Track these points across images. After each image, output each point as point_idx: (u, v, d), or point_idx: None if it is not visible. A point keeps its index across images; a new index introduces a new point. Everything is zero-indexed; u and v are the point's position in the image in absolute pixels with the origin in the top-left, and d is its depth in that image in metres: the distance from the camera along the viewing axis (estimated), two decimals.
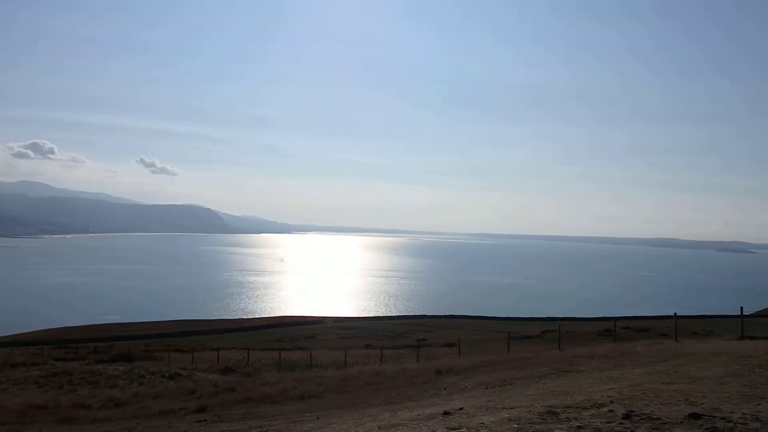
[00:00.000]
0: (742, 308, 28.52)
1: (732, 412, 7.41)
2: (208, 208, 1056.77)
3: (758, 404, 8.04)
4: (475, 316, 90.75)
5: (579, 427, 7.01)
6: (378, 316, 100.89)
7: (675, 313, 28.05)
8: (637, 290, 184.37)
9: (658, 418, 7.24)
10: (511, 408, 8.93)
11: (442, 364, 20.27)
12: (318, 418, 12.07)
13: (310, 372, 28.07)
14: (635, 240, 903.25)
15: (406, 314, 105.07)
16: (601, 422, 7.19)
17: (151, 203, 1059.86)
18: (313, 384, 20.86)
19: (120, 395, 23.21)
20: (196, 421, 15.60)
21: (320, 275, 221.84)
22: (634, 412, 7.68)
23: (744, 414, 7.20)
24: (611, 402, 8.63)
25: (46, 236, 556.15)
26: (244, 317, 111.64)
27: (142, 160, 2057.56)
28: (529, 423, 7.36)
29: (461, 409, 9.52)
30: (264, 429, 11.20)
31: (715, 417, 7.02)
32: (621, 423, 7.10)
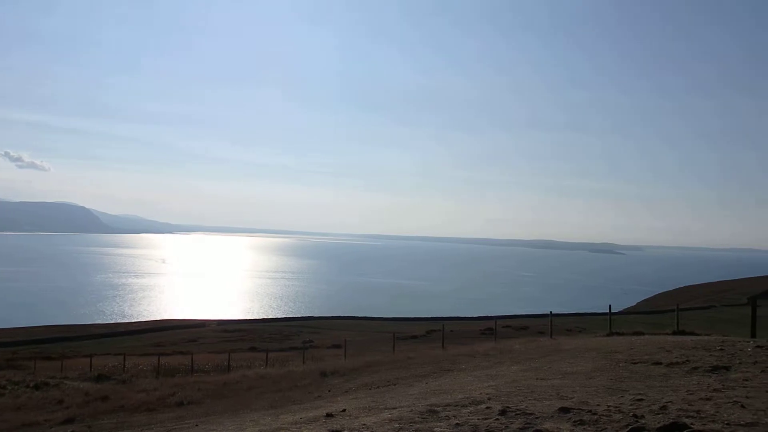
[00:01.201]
0: (610, 306, 30.50)
1: (598, 404, 7.85)
2: (83, 207, 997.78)
3: (621, 396, 8.56)
4: (362, 317, 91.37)
5: (457, 424, 7.15)
6: (264, 318, 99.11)
7: (551, 312, 29.52)
8: (518, 290, 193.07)
9: (531, 413, 7.54)
10: (394, 408, 8.98)
11: (328, 366, 20.18)
12: (197, 425, 11.62)
13: (190, 377, 27.06)
14: (516, 242, 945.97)
15: (293, 316, 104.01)
16: (478, 419, 7.38)
17: (18, 200, 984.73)
18: (194, 389, 20.11)
19: None
20: None
21: (204, 277, 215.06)
22: (509, 408, 7.96)
23: (609, 406, 7.64)
24: (489, 399, 8.91)
25: None
26: (121, 321, 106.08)
27: (6, 154, 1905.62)
28: (410, 422, 7.42)
29: (344, 410, 9.47)
30: None
31: (582, 410, 7.40)
32: (497, 419, 7.32)
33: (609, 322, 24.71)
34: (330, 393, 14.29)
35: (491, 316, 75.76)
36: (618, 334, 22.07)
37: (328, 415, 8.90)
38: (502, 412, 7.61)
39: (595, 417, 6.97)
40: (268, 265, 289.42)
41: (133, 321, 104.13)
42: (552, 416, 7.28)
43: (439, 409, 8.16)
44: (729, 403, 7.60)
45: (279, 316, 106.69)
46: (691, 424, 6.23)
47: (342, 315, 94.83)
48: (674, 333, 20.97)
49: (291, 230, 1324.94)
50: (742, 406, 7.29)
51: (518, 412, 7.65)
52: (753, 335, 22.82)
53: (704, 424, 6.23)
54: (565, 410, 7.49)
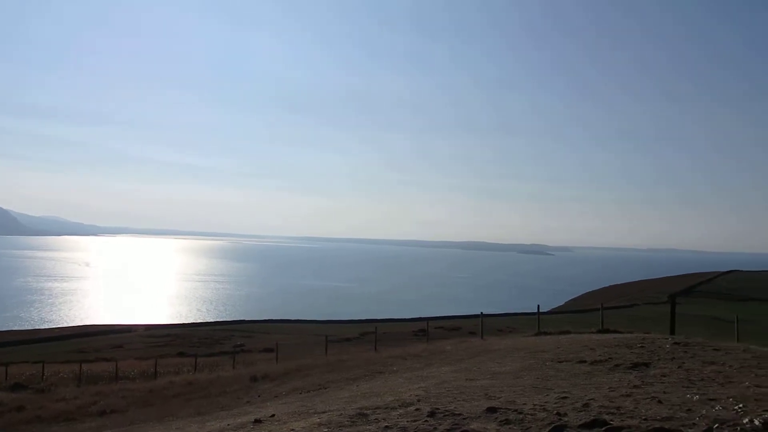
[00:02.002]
0: (539, 306, 31.36)
1: (524, 403, 7.98)
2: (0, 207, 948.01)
3: (547, 395, 8.75)
4: (295, 320, 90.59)
5: (387, 427, 7.14)
6: (194, 323, 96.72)
7: (481, 313, 30.04)
8: (451, 291, 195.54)
9: (459, 414, 7.60)
10: (323, 412, 8.90)
11: (259, 371, 19.86)
12: None
13: (114, 385, 26.07)
14: (448, 243, 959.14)
15: (224, 320, 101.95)
16: (407, 421, 7.39)
17: None
18: (117, 398, 19.38)
19: None
20: None
21: (131, 280, 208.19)
22: (438, 409, 8.00)
23: (534, 405, 7.78)
24: (418, 401, 8.93)
25: None
26: (41, 327, 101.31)
27: None
28: (339, 426, 7.36)
29: (273, 416, 9.33)
30: None
31: (509, 410, 7.50)
32: (426, 421, 7.34)
33: (538, 322, 25.35)
34: (260, 398, 14.05)
35: (424, 318, 76.48)
36: (546, 333, 22.65)
37: (257, 421, 8.74)
38: (431, 414, 7.64)
39: (521, 416, 7.08)
40: (199, 268, 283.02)
41: (55, 327, 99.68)
42: (479, 416, 7.36)
43: (368, 412, 8.13)
44: (647, 398, 7.87)
45: (209, 320, 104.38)
46: (611, 420, 6.41)
47: (275, 318, 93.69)
48: (599, 331, 21.68)
49: (222, 233, 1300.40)
50: (659, 402, 7.56)
51: (447, 413, 7.70)
52: (672, 332, 23.83)
53: (623, 420, 6.41)
54: (492, 410, 7.58)
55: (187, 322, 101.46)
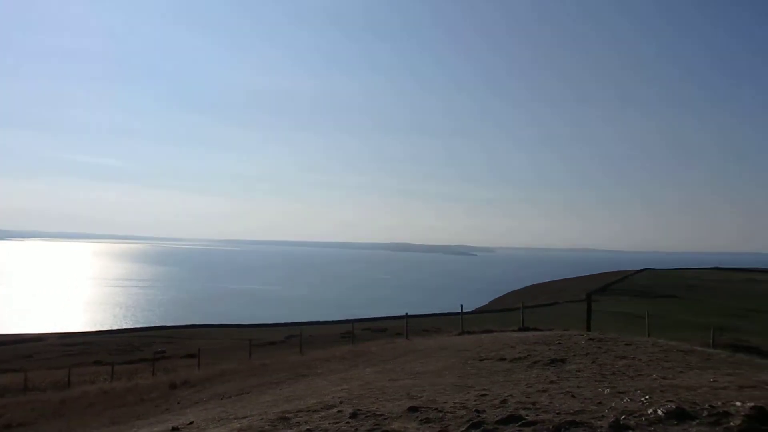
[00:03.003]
0: (462, 306, 31.90)
1: (445, 402, 8.11)
2: None
3: (467, 393, 8.92)
4: (219, 325, 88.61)
5: (308, 429, 7.10)
6: (112, 330, 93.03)
7: (406, 313, 30.35)
8: (377, 292, 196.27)
9: (381, 414, 7.64)
10: (244, 417, 8.76)
11: (179, 377, 19.32)
12: None
13: (23, 396, 24.74)
14: (372, 245, 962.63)
15: (144, 326, 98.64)
16: (329, 423, 7.37)
17: None
18: (25, 410, 18.41)
19: None
20: None
21: (42, 286, 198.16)
22: (360, 410, 8.01)
23: (455, 403, 7.92)
24: (341, 402, 8.93)
25: None
26: None
27: None
28: (260, 431, 7.27)
29: (192, 423, 9.11)
30: None
31: (429, 408, 7.61)
32: (348, 422, 7.35)
33: (461, 322, 25.81)
34: (179, 405, 13.67)
35: (350, 320, 76.48)
36: (469, 332, 23.11)
37: (174, 429, 8.51)
38: (353, 415, 7.65)
39: (441, 414, 7.19)
40: (116, 273, 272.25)
41: None
42: (401, 416, 7.42)
43: (290, 415, 8.07)
44: (562, 393, 8.15)
45: (128, 327, 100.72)
46: (527, 415, 6.60)
47: (197, 323, 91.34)
48: (520, 329, 22.31)
49: (140, 236, 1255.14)
50: (573, 396, 7.85)
51: (368, 414, 7.72)
52: (588, 329, 24.80)
53: (538, 415, 6.62)
54: (413, 409, 7.66)
55: (104, 329, 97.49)
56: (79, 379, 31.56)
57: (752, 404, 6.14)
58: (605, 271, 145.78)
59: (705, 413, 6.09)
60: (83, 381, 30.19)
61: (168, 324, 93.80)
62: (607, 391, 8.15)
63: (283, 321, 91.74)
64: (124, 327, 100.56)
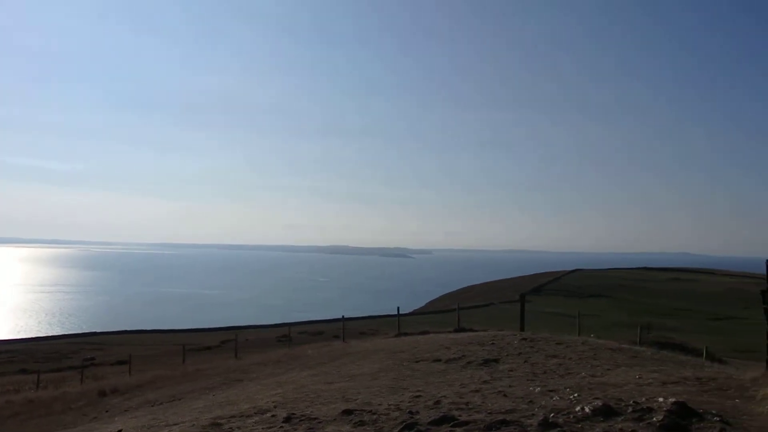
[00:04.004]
0: (398, 308, 32.14)
1: (380, 404, 8.11)
2: None
3: (402, 394, 8.95)
4: (153, 330, 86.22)
5: None
6: (38, 337, 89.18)
7: (343, 316, 30.31)
8: (315, 295, 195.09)
9: (315, 418, 7.57)
10: (175, 424, 8.54)
11: (108, 384, 18.67)
12: None
13: None
14: (313, 248, 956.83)
15: (74, 332, 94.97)
16: (263, 428, 7.27)
17: None
18: None
19: None
20: None
21: None
22: (294, 414, 7.92)
23: (389, 405, 7.93)
24: (275, 407, 8.80)
25: None
26: None
27: None
28: None
29: (120, 431, 8.81)
30: None
31: (364, 411, 7.59)
32: (281, 426, 7.26)
33: (398, 324, 25.95)
34: (108, 413, 13.21)
35: (287, 323, 75.81)
36: (406, 334, 23.24)
37: None
38: (287, 419, 7.57)
39: (375, 416, 7.19)
40: (44, 278, 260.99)
41: None
42: (335, 419, 7.38)
43: (223, 421, 7.91)
44: (494, 393, 8.28)
45: (56, 334, 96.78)
46: (459, 416, 6.67)
47: (130, 329, 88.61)
48: (456, 330, 22.60)
49: (70, 240, 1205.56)
50: (505, 395, 7.99)
51: (303, 418, 7.64)
52: (522, 329, 25.35)
53: (470, 415, 6.69)
54: (348, 412, 7.63)
55: (30, 336, 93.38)
56: (3, 389, 30.09)
57: (674, 399, 6.39)
58: (539, 272, 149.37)
59: (630, 409, 6.29)
60: (7, 390, 28.80)
61: (98, 330, 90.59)
62: (537, 389, 8.33)
63: (219, 325, 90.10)
64: (51, 334, 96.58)
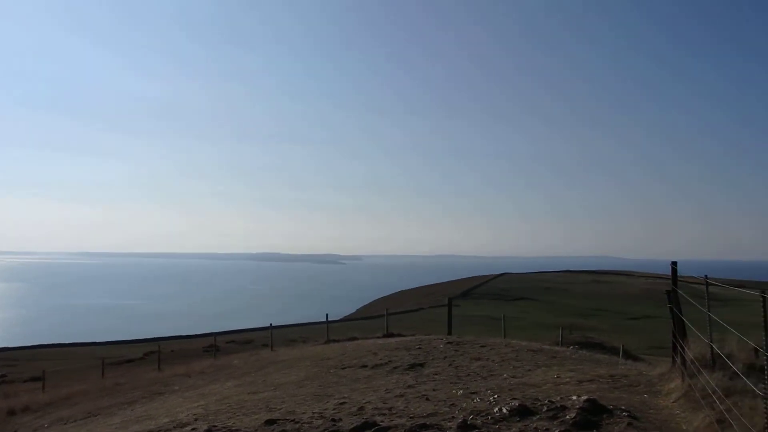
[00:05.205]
0: (327, 315, 31.92)
1: (304, 412, 8.04)
2: None
3: (327, 402, 8.89)
4: (71, 344, 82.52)
5: None
6: None
7: (271, 324, 29.90)
8: (245, 303, 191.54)
9: (237, 430, 7.43)
10: None
11: (19, 402, 17.71)
12: None
13: None
14: (243, 255, 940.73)
15: None
16: None
17: None
18: None
19: None
20: None
21: None
22: (216, 426, 7.75)
23: (313, 413, 7.87)
24: (196, 420, 8.58)
25: None
26: None
27: None
28: None
29: None
30: None
31: (287, 420, 7.50)
32: None
33: (326, 330, 25.82)
34: None
35: (214, 332, 74.28)
36: (335, 341, 23.12)
37: None
38: None
39: (298, 426, 7.12)
40: None
41: None
42: (257, 430, 7.27)
43: None
44: (418, 397, 8.35)
45: None
46: (381, 421, 6.69)
47: (45, 343, 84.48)
48: (384, 336, 22.64)
49: None
50: (427, 399, 8.06)
51: (224, 430, 7.49)
52: (449, 332, 25.71)
53: (392, 420, 6.72)
54: (270, 422, 7.52)
55: None
56: None
57: (586, 397, 6.62)
58: (468, 276, 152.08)
59: (545, 408, 6.47)
60: None
61: (10, 345, 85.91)
62: (460, 392, 8.46)
63: (143, 337, 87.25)
64: None
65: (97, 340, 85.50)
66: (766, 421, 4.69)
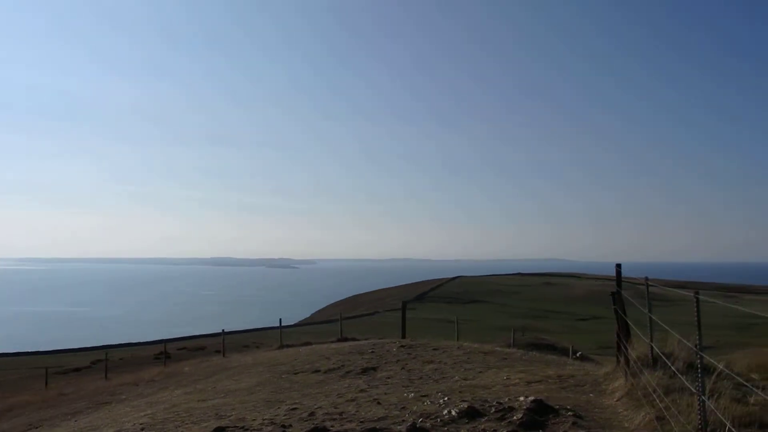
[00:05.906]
0: (280, 320, 31.69)
1: (254, 419, 7.95)
2: None
3: (278, 408, 8.82)
4: (11, 353, 79.53)
5: None
6: None
7: (223, 330, 29.49)
8: (197, 309, 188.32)
9: None
10: None
11: None
12: None
13: None
14: (194, 260, 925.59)
15: None
16: None
17: None
18: None
19: None
20: None
21: None
22: None
23: (264, 419, 7.79)
24: (142, 429, 8.41)
25: None
26: None
27: None
28: None
29: None
30: None
31: (237, 427, 7.42)
32: None
33: (280, 336, 25.59)
34: None
35: (166, 339, 72.82)
36: (288, 346, 22.93)
37: None
38: None
39: None
40: None
41: None
42: None
43: None
44: (369, 401, 8.36)
45: None
46: (331, 426, 6.68)
47: None
48: (338, 340, 22.58)
49: None
50: (379, 403, 8.08)
51: None
52: (403, 336, 25.81)
53: (342, 425, 6.72)
54: (220, 430, 7.43)
55: None
56: None
57: (533, 398, 6.75)
58: (422, 279, 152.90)
59: (493, 410, 6.57)
60: None
61: None
62: (411, 395, 8.50)
63: (90, 345, 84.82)
64: None
65: (41, 349, 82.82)
66: (700, 417, 4.88)
